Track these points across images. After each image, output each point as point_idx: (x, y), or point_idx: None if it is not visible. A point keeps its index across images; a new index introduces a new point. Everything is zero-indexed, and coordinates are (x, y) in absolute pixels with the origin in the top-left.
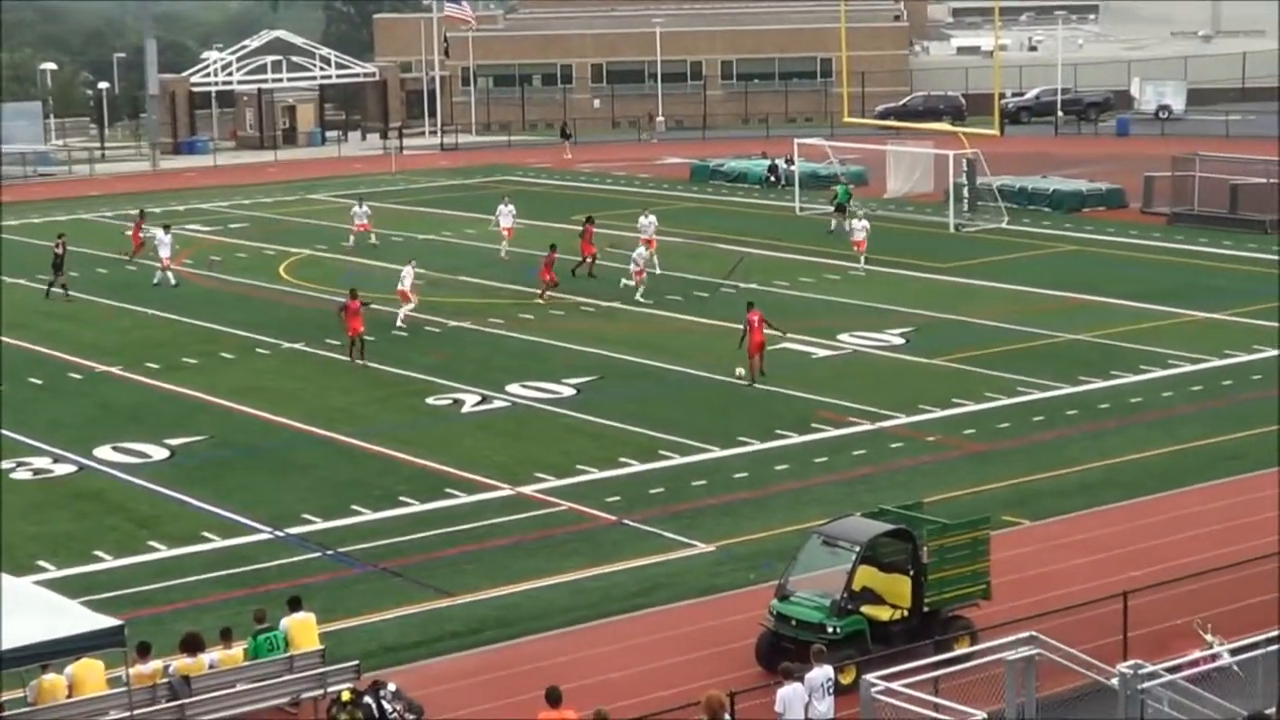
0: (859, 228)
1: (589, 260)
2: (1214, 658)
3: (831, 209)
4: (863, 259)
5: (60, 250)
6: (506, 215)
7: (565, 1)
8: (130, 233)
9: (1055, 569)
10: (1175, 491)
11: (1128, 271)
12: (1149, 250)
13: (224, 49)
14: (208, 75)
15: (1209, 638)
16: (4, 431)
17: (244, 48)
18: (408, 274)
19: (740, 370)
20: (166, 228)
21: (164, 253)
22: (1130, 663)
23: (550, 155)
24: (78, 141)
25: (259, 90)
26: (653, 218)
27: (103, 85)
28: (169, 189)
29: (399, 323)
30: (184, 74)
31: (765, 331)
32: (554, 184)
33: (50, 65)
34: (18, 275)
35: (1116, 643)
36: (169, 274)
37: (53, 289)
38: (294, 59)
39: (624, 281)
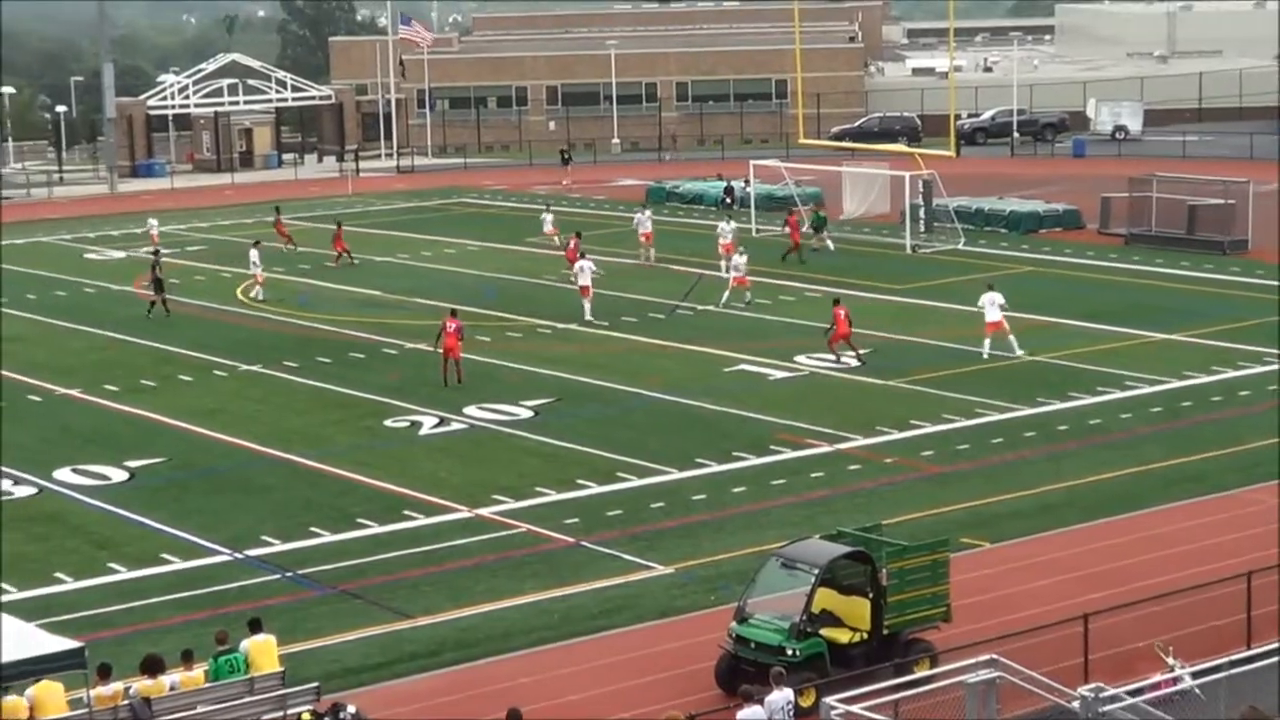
0: (740, 264)
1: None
2: (1175, 680)
3: (811, 230)
4: (747, 296)
5: (158, 269)
6: (646, 221)
7: (520, 24)
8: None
9: (1015, 591)
10: (1135, 513)
11: (1085, 293)
12: (1106, 271)
13: (180, 72)
14: (164, 98)
15: (1170, 660)
16: None
17: (200, 71)
18: (586, 267)
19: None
20: (257, 243)
21: (255, 270)
22: (1091, 685)
23: (506, 177)
24: (35, 165)
25: (215, 113)
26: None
27: (60, 109)
28: (127, 212)
29: (587, 316)
30: (141, 97)
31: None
32: (509, 206)
33: (8, 89)
34: None
35: (1077, 665)
36: (259, 289)
37: (154, 307)
38: (250, 82)
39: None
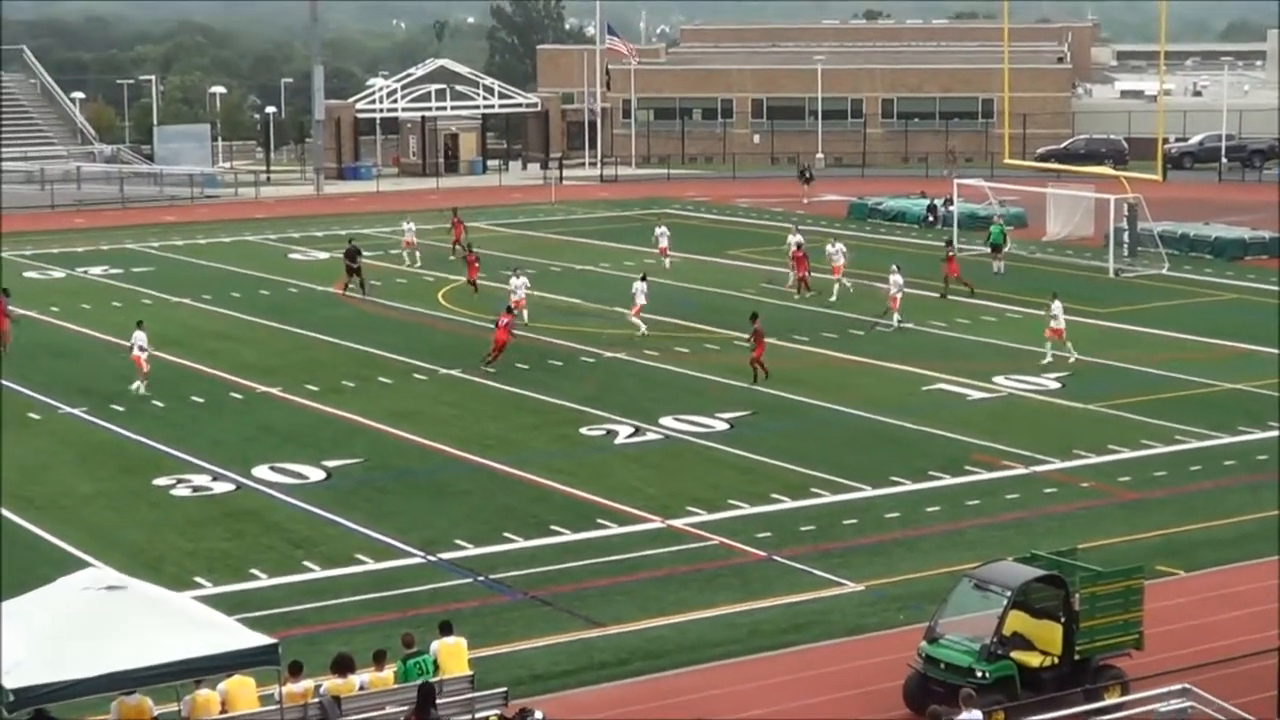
0: (894, 284)
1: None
2: None
3: (988, 250)
4: (895, 317)
5: (351, 258)
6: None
7: (727, 36)
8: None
9: (1209, 621)
10: None
11: None
12: None
13: (389, 77)
14: (373, 102)
15: None
16: (166, 448)
17: (409, 76)
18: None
19: None
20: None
21: (640, 301)
22: None
23: (709, 189)
24: (244, 164)
25: (422, 118)
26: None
27: (270, 109)
28: (332, 213)
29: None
30: (350, 100)
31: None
32: (712, 218)
33: (219, 89)
34: (183, 295)
35: (1271, 699)
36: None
37: (366, 285)
38: (458, 88)
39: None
